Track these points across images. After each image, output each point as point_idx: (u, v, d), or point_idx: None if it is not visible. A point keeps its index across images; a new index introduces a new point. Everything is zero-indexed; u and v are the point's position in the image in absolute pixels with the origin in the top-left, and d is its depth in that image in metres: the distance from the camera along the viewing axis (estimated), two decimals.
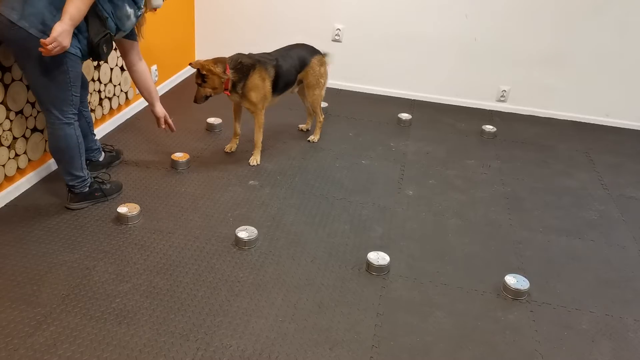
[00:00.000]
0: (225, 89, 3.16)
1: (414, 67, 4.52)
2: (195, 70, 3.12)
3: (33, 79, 2.44)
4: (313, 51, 3.53)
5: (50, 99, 2.48)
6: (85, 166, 2.74)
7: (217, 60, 3.11)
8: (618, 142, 4.16)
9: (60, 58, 2.36)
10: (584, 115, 4.45)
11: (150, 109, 3.07)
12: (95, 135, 3.08)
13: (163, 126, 3.12)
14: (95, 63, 3.32)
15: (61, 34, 2.21)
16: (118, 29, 2.55)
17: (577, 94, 4.39)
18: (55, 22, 2.24)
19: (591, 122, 4.45)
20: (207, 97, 3.19)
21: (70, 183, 2.70)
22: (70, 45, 2.31)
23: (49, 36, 2.22)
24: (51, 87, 2.44)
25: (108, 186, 2.87)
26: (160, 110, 3.05)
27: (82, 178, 2.72)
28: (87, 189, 2.75)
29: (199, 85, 3.14)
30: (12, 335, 2.02)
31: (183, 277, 2.39)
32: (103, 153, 3.12)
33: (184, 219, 2.78)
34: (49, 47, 2.20)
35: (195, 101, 3.20)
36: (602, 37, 4.17)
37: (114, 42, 2.65)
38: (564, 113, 4.48)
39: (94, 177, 2.85)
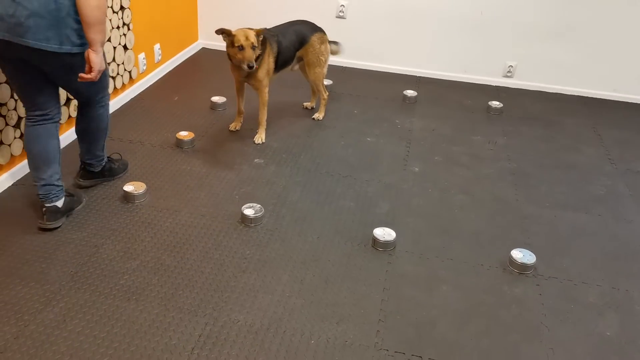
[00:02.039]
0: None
1: (419, 43, 4.47)
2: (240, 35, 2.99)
3: (77, 86, 2.39)
4: (313, 28, 3.49)
5: (93, 94, 2.50)
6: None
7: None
8: (626, 116, 4.12)
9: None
10: (591, 90, 4.40)
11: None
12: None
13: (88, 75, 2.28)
14: None
15: (101, 63, 2.21)
16: None
17: (584, 68, 4.34)
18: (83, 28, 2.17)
19: (599, 97, 4.40)
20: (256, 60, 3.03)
21: (89, 161, 2.72)
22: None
23: (85, 43, 2.19)
24: (93, 85, 2.42)
25: (116, 165, 2.87)
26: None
27: (100, 157, 2.74)
28: (100, 168, 2.78)
29: (253, 48, 2.98)
30: (23, 311, 2.04)
31: (190, 254, 2.40)
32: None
33: (190, 197, 2.79)
34: (96, 79, 2.23)
35: (251, 66, 2.98)
36: (609, 10, 4.10)
37: None
38: (571, 88, 4.43)
39: (108, 157, 2.85)
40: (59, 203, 2.47)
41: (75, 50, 2.20)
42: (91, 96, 2.52)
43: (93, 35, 2.14)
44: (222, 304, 2.15)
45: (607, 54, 4.25)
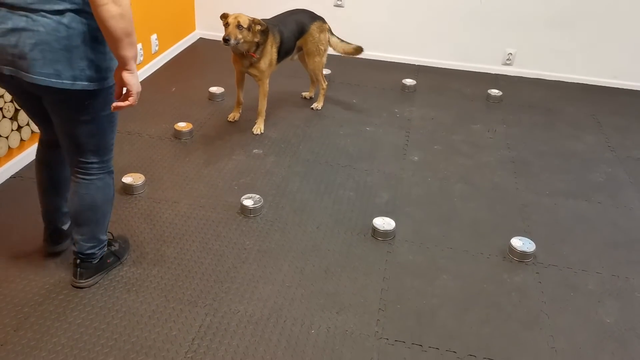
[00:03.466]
0: (252, 52, 3.10)
1: (418, 31, 4.45)
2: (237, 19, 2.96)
3: (80, 131, 1.90)
4: (313, 17, 3.47)
5: (94, 148, 1.96)
6: None
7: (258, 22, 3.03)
8: (626, 104, 4.10)
9: (109, 97, 1.86)
10: (591, 77, 4.39)
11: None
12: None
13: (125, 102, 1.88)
14: None
15: (138, 84, 1.79)
16: None
17: (584, 56, 4.32)
18: (105, 60, 1.77)
19: (598, 84, 4.38)
20: (237, 42, 2.97)
21: (90, 251, 2.10)
22: (111, 77, 1.83)
23: (104, 77, 1.79)
24: (98, 134, 1.93)
25: (117, 246, 2.28)
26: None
27: (103, 243, 2.15)
28: (99, 259, 2.17)
29: (239, 28, 2.94)
30: (22, 304, 2.04)
31: (190, 245, 2.40)
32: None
33: (189, 188, 2.78)
34: (135, 104, 1.80)
35: (227, 39, 2.92)
36: None
37: None
38: (571, 76, 4.41)
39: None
40: (65, 226, 2.27)
41: (93, 86, 1.78)
42: (91, 150, 1.95)
43: (123, 52, 1.70)
44: (222, 295, 2.15)
45: (607, 41, 4.23)
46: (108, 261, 2.21)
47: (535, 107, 3.95)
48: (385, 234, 2.51)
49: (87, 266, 2.13)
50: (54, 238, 2.26)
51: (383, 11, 4.41)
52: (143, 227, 2.49)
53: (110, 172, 2.06)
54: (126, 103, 1.78)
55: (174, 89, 3.83)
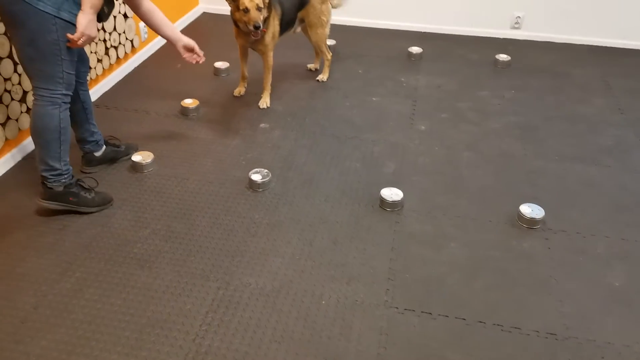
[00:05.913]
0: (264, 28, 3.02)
1: None
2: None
3: (19, 48, 2.16)
4: None
5: (36, 73, 2.18)
6: (67, 159, 2.33)
7: None
8: (636, 65, 4.03)
9: (50, 26, 2.06)
10: (600, 39, 4.30)
11: (177, 47, 2.62)
12: (95, 125, 2.64)
13: (194, 58, 2.67)
14: None
15: (87, 26, 2.08)
16: None
17: (593, 17, 4.22)
18: None
19: (608, 45, 4.30)
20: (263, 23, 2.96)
21: (43, 174, 2.30)
22: (65, 11, 2.07)
23: (42, 1, 2.01)
24: (38, 59, 2.13)
25: (90, 195, 2.43)
26: (190, 40, 2.62)
27: (57, 171, 2.30)
28: (62, 188, 2.34)
29: (259, 10, 2.92)
30: (40, 282, 2.10)
31: (200, 221, 2.43)
32: (104, 147, 2.71)
33: (197, 164, 2.81)
34: (79, 42, 2.10)
35: (258, 26, 2.92)
36: None
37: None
38: (580, 37, 4.33)
39: (77, 180, 2.42)
40: (98, 152, 2.70)
41: None
42: (35, 75, 2.19)
43: None
44: (234, 268, 2.19)
45: (616, 2, 4.12)
46: (70, 199, 2.37)
47: (544, 71, 3.90)
48: (393, 204, 2.53)
49: (45, 189, 2.33)
50: (84, 161, 2.68)
51: None
52: (153, 204, 2.53)
53: (54, 105, 2.22)
54: (71, 36, 2.08)
55: (179, 65, 3.82)
